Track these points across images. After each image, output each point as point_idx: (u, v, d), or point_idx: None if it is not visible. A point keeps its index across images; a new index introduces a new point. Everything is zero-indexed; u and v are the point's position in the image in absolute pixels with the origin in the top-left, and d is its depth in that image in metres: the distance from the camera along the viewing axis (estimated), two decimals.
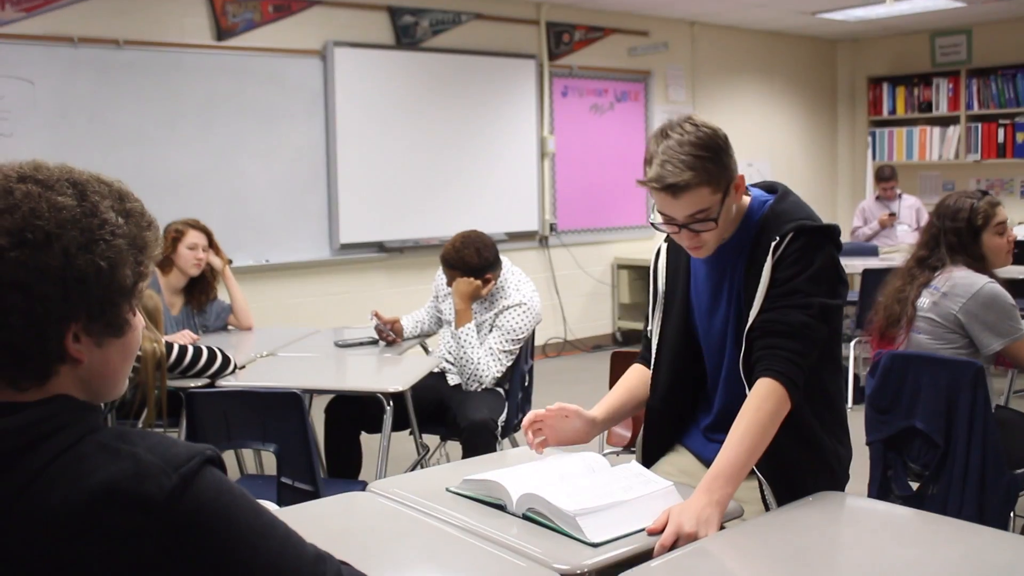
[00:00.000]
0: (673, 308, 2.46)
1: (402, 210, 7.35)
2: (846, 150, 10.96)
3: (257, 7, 6.57)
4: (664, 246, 2.51)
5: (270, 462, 3.53)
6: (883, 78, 10.28)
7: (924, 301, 3.49)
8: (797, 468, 2.24)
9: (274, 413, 3.06)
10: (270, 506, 1.52)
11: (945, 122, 9.77)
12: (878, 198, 8.75)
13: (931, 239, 3.54)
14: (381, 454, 3.48)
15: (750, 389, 2.19)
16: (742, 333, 2.25)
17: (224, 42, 6.46)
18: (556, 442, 2.40)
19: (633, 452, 3.94)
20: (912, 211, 8.63)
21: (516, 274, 4.31)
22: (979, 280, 3.40)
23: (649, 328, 2.56)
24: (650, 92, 9.00)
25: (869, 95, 10.41)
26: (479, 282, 4.13)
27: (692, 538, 1.93)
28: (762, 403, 2.14)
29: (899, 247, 8.03)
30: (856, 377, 6.50)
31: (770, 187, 2.39)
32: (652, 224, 2.29)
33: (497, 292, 4.24)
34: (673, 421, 2.51)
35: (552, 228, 8.36)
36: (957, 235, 3.48)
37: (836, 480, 2.32)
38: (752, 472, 2.18)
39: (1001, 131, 9.35)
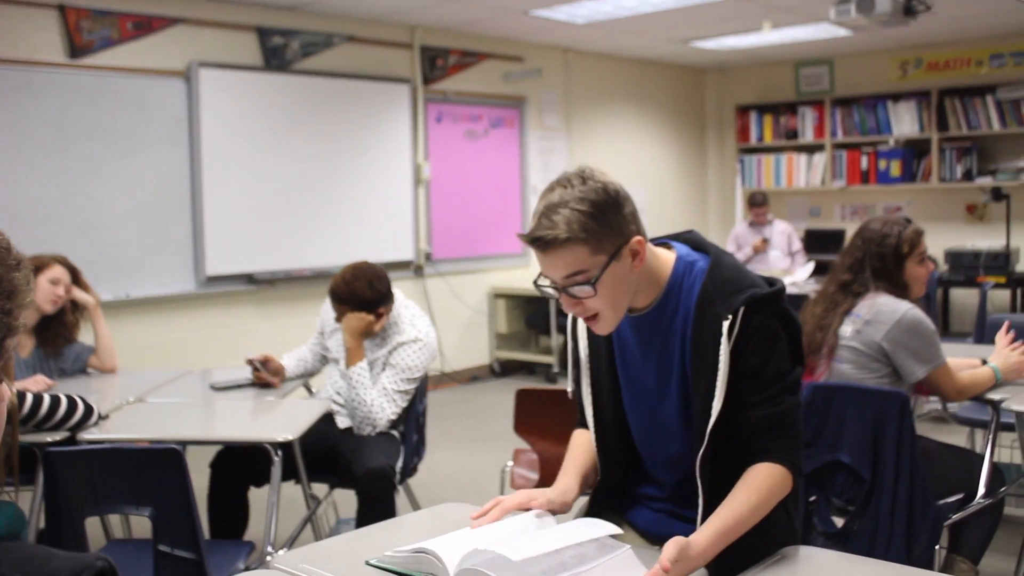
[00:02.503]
0: (601, 379, 2.21)
1: (272, 240, 6.97)
2: (716, 177, 11.06)
3: (115, 24, 6.12)
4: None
5: (141, 522, 3.15)
6: (750, 106, 10.42)
7: (847, 329, 3.38)
8: (740, 549, 1.98)
9: (149, 472, 2.70)
10: None
11: (811, 149, 9.95)
12: (751, 224, 8.79)
13: (856, 263, 3.44)
14: (270, 512, 3.14)
15: (705, 487, 2.00)
16: (702, 424, 1.99)
17: (78, 60, 5.98)
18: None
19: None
20: (784, 236, 8.70)
21: (410, 308, 4.02)
22: (902, 306, 3.31)
23: (571, 389, 2.30)
24: (525, 118, 8.86)
25: (737, 123, 10.53)
26: (371, 317, 3.83)
27: None
28: (764, 480, 1.96)
29: (772, 272, 8.06)
30: None
31: (696, 244, 2.14)
32: (535, 284, 2.03)
33: (390, 328, 3.94)
34: (622, 500, 2.28)
35: (428, 257, 8.10)
36: (882, 260, 3.39)
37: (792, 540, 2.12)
38: None
39: (864, 158, 9.55)
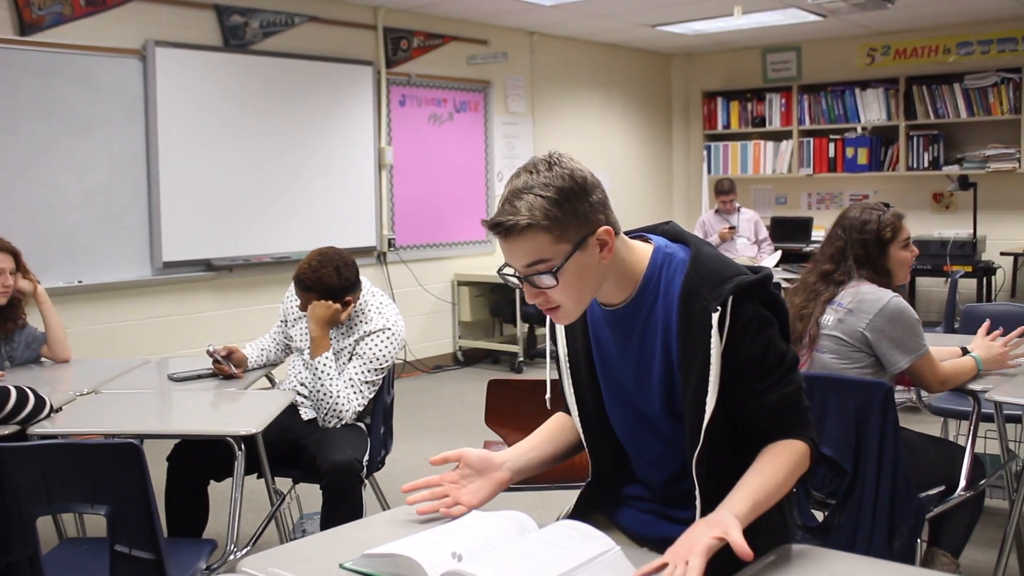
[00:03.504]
0: (581, 376, 2.11)
1: (231, 225, 6.79)
2: (682, 164, 10.99)
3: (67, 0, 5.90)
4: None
5: (97, 521, 3.00)
6: (717, 93, 10.37)
7: (828, 318, 3.30)
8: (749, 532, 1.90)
9: (105, 468, 2.54)
10: None
11: (778, 136, 9.90)
12: (717, 211, 8.72)
13: (837, 252, 3.35)
14: (234, 508, 3.00)
15: (702, 487, 1.90)
16: (696, 421, 1.88)
17: (29, 37, 5.76)
18: (474, 502, 2.01)
19: (511, 489, 3.62)
20: (751, 224, 8.65)
21: (377, 296, 3.88)
22: (885, 295, 3.23)
23: (560, 384, 2.19)
24: (490, 102, 8.73)
25: (704, 109, 10.47)
26: (338, 306, 3.69)
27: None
28: (788, 454, 1.87)
29: (738, 260, 7.98)
30: None
31: (674, 235, 2.03)
32: (499, 272, 1.93)
33: (357, 316, 3.80)
34: (611, 499, 2.17)
35: (391, 244, 7.95)
36: (864, 247, 3.31)
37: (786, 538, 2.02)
38: None
39: (832, 146, 9.52)
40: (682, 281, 1.91)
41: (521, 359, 8.18)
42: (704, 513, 1.87)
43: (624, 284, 1.95)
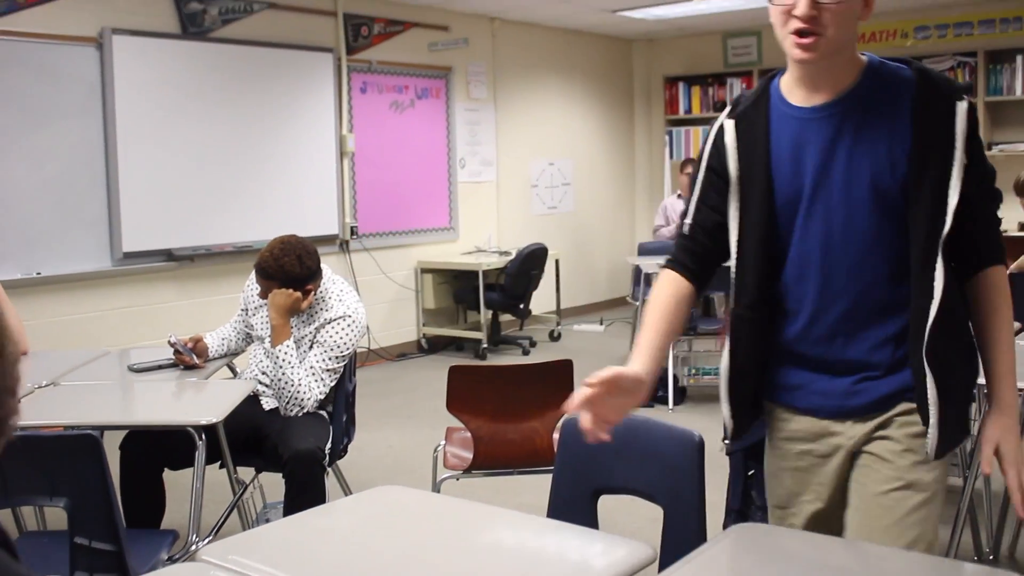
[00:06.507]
0: (753, 197, 2.01)
1: (192, 215, 6.74)
2: (644, 148, 11.03)
3: None
4: (729, 123, 2.05)
5: (56, 513, 2.98)
6: (678, 78, 10.40)
7: None
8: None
9: (64, 461, 2.54)
10: None
11: None
12: (679, 196, 8.74)
13: None
14: (195, 499, 2.99)
15: (941, 291, 1.88)
16: (939, 207, 1.87)
17: None
18: (618, 419, 1.88)
19: (473, 475, 3.63)
20: None
21: (338, 283, 3.88)
22: None
23: (688, 221, 2.11)
24: (451, 89, 8.71)
25: (665, 94, 10.50)
26: (298, 294, 3.69)
27: None
28: (1007, 296, 1.97)
29: None
30: (675, 377, 6.40)
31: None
32: None
33: (318, 304, 3.80)
34: (764, 334, 2.07)
35: (353, 231, 7.92)
36: None
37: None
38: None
39: None
40: (913, 74, 1.92)
41: (485, 346, 8.19)
42: (936, 338, 1.88)
43: (843, 75, 1.93)
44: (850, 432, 1.98)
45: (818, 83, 1.94)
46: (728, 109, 2.08)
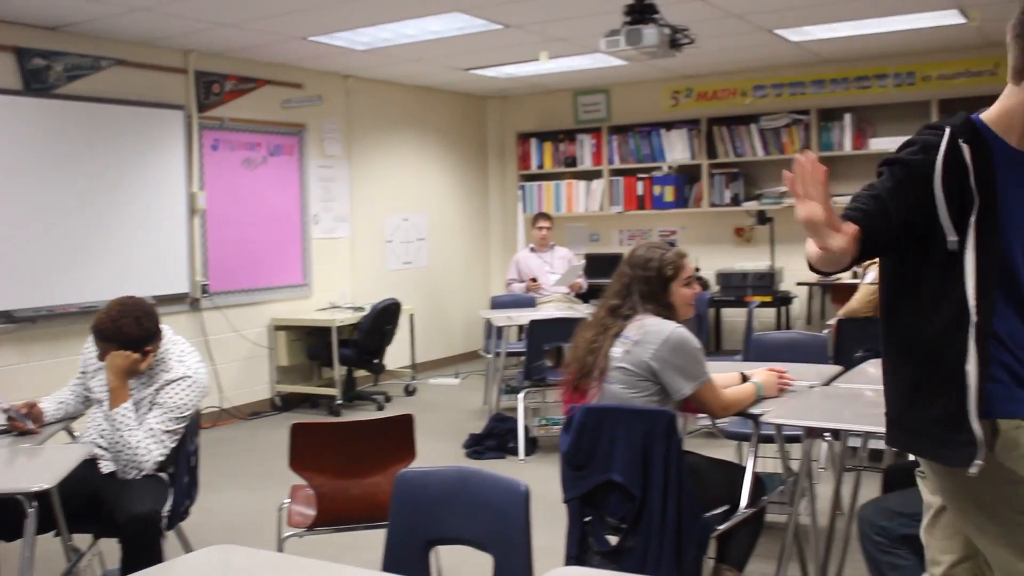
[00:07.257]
0: (989, 224, 2.12)
1: (34, 275, 6.56)
2: (498, 203, 11.23)
3: None
4: (965, 146, 2.14)
5: None
6: (531, 134, 10.65)
7: (617, 351, 3.48)
8: None
9: None
10: None
11: (590, 176, 10.24)
12: (532, 250, 8.91)
13: (623, 288, 3.55)
14: (25, 569, 2.92)
15: None
16: None
17: None
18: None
19: (318, 532, 3.64)
20: (565, 262, 8.87)
21: (179, 344, 3.86)
22: (668, 326, 3.44)
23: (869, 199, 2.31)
24: (305, 146, 8.73)
25: (518, 150, 10.74)
26: (137, 355, 3.65)
27: None
28: None
29: (551, 297, 8.20)
30: (527, 429, 6.50)
31: None
32: None
33: (157, 365, 3.77)
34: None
35: (204, 290, 7.82)
36: (648, 284, 3.51)
37: None
38: None
39: (640, 184, 9.90)
40: None
41: (339, 401, 8.16)
42: None
43: None
44: None
45: None
46: (950, 130, 2.16)
